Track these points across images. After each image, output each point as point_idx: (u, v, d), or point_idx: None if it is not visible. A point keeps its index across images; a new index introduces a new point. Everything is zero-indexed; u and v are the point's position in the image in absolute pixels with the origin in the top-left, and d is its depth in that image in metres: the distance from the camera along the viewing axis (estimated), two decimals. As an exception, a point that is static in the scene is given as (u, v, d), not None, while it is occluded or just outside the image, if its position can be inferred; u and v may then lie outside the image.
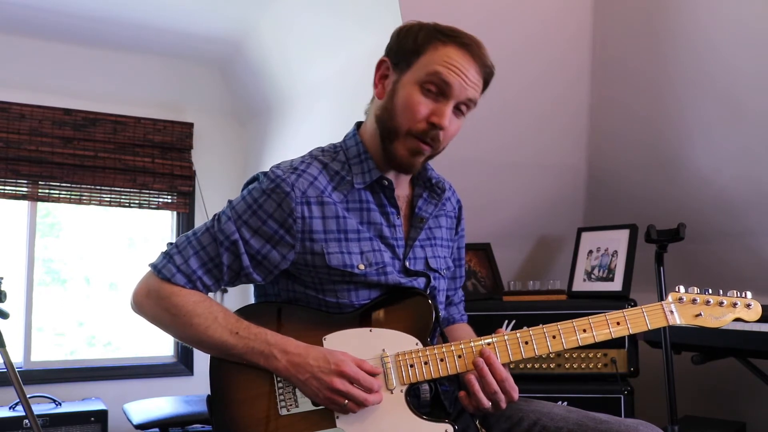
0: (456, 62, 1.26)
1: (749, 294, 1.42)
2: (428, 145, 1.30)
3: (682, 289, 1.40)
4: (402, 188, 1.43)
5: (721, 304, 1.39)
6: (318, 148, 1.42)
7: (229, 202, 1.34)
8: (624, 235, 2.67)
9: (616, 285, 2.60)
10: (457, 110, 1.31)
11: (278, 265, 1.30)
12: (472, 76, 1.28)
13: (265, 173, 1.33)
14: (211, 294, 1.33)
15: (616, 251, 2.67)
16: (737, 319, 1.40)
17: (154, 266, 1.30)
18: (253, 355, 1.24)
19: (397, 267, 1.36)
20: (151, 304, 1.28)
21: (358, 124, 1.44)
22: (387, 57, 1.34)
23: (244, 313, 1.30)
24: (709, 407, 2.77)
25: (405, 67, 1.30)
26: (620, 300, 2.52)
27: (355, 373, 1.21)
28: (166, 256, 1.30)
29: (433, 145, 1.31)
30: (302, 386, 1.23)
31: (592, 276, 2.70)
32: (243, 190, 1.36)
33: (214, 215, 1.33)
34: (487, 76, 1.33)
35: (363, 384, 1.21)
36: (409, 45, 1.30)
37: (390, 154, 1.32)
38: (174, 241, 1.33)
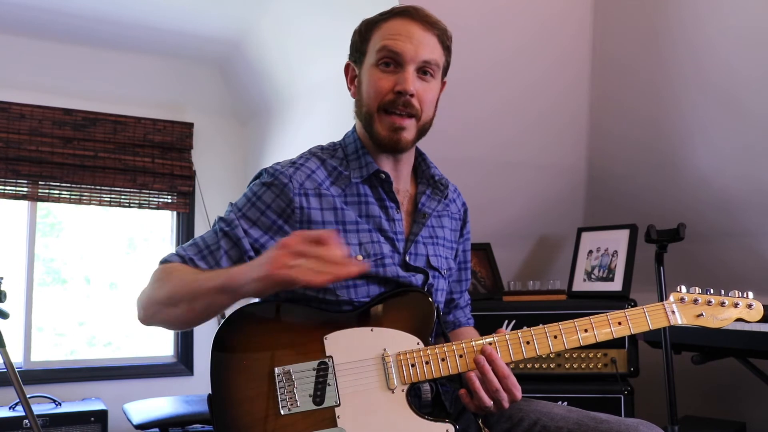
0: (398, 30, 1.32)
1: (751, 294, 1.42)
2: (402, 115, 1.32)
3: (683, 289, 1.40)
4: (403, 183, 1.44)
5: (722, 304, 1.39)
6: (317, 146, 1.45)
7: (230, 204, 1.37)
8: (624, 235, 2.67)
9: (616, 285, 2.60)
10: (423, 74, 1.34)
11: None
12: (421, 36, 1.32)
13: (265, 169, 1.36)
14: None
15: (616, 251, 2.67)
16: (739, 320, 1.40)
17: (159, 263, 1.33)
18: (219, 282, 1.17)
19: (396, 260, 1.37)
20: (146, 287, 1.29)
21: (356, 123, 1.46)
22: (349, 59, 1.42)
23: (245, 312, 1.30)
24: (709, 407, 2.77)
25: (361, 57, 1.38)
26: (620, 300, 2.52)
27: (303, 232, 1.12)
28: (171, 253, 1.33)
29: (406, 111, 1.32)
30: (261, 274, 1.11)
31: (592, 276, 2.70)
32: (247, 188, 1.39)
33: (216, 218, 1.36)
34: (440, 33, 1.35)
35: (312, 237, 1.10)
36: (357, 39, 1.39)
37: (375, 139, 1.35)
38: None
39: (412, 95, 1.31)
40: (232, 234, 1.29)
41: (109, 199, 3.92)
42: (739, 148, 2.45)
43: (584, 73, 2.78)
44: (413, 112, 1.33)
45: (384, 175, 1.37)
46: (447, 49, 1.38)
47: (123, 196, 3.96)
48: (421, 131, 1.37)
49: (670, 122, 2.61)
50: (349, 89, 1.43)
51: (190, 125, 4.13)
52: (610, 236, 2.73)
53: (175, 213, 4.18)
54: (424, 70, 1.33)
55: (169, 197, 4.10)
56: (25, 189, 3.71)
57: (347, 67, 1.43)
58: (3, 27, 3.54)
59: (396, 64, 1.32)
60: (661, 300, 2.07)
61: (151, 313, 1.29)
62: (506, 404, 1.25)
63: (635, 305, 2.44)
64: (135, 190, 3.99)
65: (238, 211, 1.32)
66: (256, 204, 1.31)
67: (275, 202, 1.30)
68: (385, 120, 1.33)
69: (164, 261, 1.31)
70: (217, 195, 4.16)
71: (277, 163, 1.36)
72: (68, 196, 3.82)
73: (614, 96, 2.77)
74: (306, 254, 1.09)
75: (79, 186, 3.83)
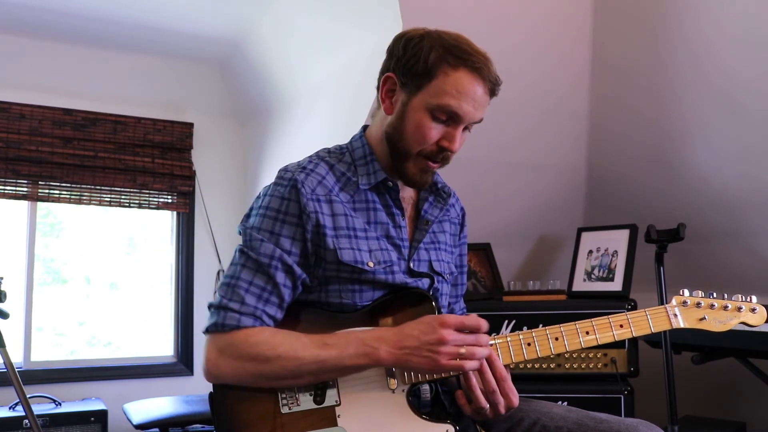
0: (468, 90, 1.26)
1: (754, 298, 1.41)
2: (438, 163, 1.34)
3: (686, 292, 1.39)
4: (407, 191, 1.43)
5: (725, 308, 1.39)
6: (324, 149, 1.43)
7: (247, 229, 1.30)
8: (624, 235, 2.67)
9: (616, 285, 2.60)
10: (465, 128, 1.33)
11: (312, 263, 1.30)
12: (483, 100, 1.29)
13: (274, 183, 1.33)
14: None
15: (616, 251, 2.67)
16: (741, 324, 1.40)
17: (213, 325, 1.23)
18: (351, 359, 1.20)
19: (402, 267, 1.36)
20: (229, 361, 1.21)
21: (365, 127, 1.45)
22: (393, 73, 1.32)
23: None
24: (709, 407, 2.77)
25: (414, 90, 1.29)
26: (620, 300, 2.53)
27: (456, 319, 1.20)
28: (220, 309, 1.23)
29: (443, 164, 1.35)
30: (413, 360, 1.20)
31: (592, 276, 2.70)
32: (252, 210, 1.33)
33: (241, 251, 1.28)
34: (495, 90, 1.32)
35: (470, 325, 1.21)
36: (418, 67, 1.27)
37: (401, 172, 1.35)
38: (212, 299, 1.27)
39: (453, 152, 1.32)
40: (283, 266, 1.26)
41: (109, 199, 3.92)
42: (739, 148, 2.45)
43: (584, 73, 2.78)
44: (446, 164, 1.35)
45: (392, 183, 1.37)
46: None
47: (123, 196, 3.96)
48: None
49: (670, 122, 2.62)
50: (382, 101, 1.35)
51: (190, 125, 4.13)
52: (610, 236, 2.73)
53: (175, 213, 4.18)
54: (467, 126, 1.32)
55: (169, 197, 4.10)
56: (25, 189, 3.71)
57: (387, 78, 1.33)
58: (3, 27, 3.54)
59: (450, 119, 1.29)
60: (662, 300, 2.08)
61: (235, 380, 1.23)
62: (502, 409, 1.25)
63: (635, 305, 2.46)
64: (135, 190, 3.99)
65: (270, 235, 1.26)
66: (287, 219, 1.27)
67: (298, 210, 1.27)
68: (421, 163, 1.32)
69: (234, 327, 1.21)
70: (217, 195, 4.16)
71: (285, 170, 1.34)
72: (68, 196, 3.82)
73: (614, 96, 2.77)
74: (465, 342, 1.20)
75: (79, 186, 3.82)
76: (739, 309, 1.39)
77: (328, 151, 1.41)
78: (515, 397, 1.26)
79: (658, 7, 2.43)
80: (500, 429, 1.36)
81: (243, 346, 1.21)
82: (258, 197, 1.35)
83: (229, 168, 4.25)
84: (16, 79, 3.70)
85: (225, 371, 1.21)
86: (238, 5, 3.31)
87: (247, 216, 1.34)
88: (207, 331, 1.24)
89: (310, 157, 1.39)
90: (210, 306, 1.26)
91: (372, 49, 2.69)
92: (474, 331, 1.21)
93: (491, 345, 1.29)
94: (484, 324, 1.22)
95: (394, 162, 1.35)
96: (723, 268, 2.74)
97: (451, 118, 1.29)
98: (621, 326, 1.34)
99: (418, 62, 1.27)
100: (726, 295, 1.41)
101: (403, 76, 1.31)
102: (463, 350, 1.19)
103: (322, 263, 1.30)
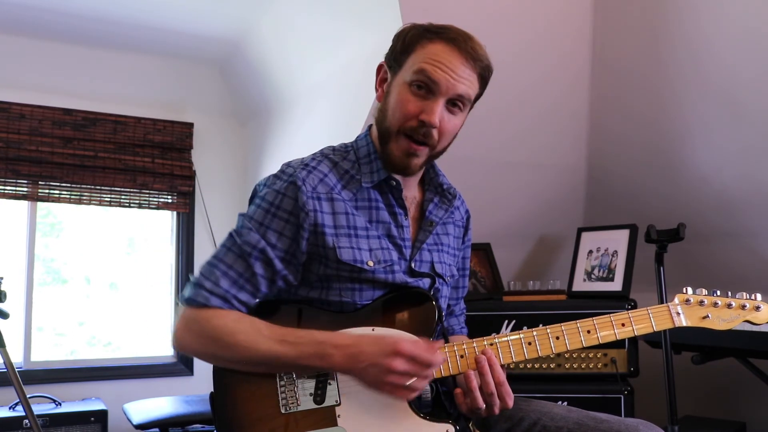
0: (442, 58, 1.26)
1: (759, 296, 1.40)
2: (420, 143, 1.30)
3: (689, 290, 1.38)
4: (411, 190, 1.43)
5: (729, 306, 1.37)
6: (329, 147, 1.42)
7: (242, 215, 1.32)
8: (624, 235, 2.67)
9: (616, 285, 2.60)
10: (452, 106, 1.30)
11: (302, 261, 1.30)
12: (462, 71, 1.27)
13: (275, 174, 1.34)
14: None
15: (616, 251, 2.67)
16: (746, 322, 1.39)
17: (185, 299, 1.26)
18: (306, 359, 1.20)
19: (403, 267, 1.36)
20: (192, 336, 1.25)
21: (370, 127, 1.44)
22: (385, 61, 1.37)
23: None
24: (709, 407, 2.77)
25: (397, 68, 1.32)
26: (620, 300, 2.53)
27: (411, 350, 1.17)
28: (195, 285, 1.26)
29: (426, 141, 1.30)
30: (362, 375, 1.19)
31: (592, 276, 2.70)
32: (250, 202, 1.35)
33: (230, 235, 1.30)
34: (482, 70, 1.31)
35: (422, 360, 1.17)
36: (399, 46, 1.32)
37: (386, 155, 1.33)
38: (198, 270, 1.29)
39: (435, 127, 1.28)
40: (262, 257, 1.26)
41: (109, 199, 3.92)
42: (739, 148, 2.46)
43: (584, 73, 2.78)
44: (431, 143, 1.31)
45: (395, 182, 1.36)
46: (484, 82, 1.34)
47: (123, 196, 3.96)
48: (432, 157, 1.36)
49: (670, 122, 2.62)
50: (376, 90, 1.38)
51: (190, 125, 4.13)
52: (610, 236, 2.73)
53: (175, 213, 4.18)
54: (453, 102, 1.30)
55: (169, 197, 4.10)
56: (25, 189, 3.71)
57: (380, 67, 1.37)
58: (3, 27, 3.54)
59: (428, 91, 1.27)
60: (662, 300, 2.08)
61: (197, 354, 1.28)
62: (497, 411, 1.25)
63: (635, 305, 2.46)
64: (135, 190, 3.99)
65: (260, 225, 1.27)
66: (278, 214, 1.28)
67: (294, 207, 1.27)
68: (402, 142, 1.30)
69: (202, 304, 1.23)
70: (217, 195, 4.16)
71: (288, 165, 1.34)
72: (68, 196, 3.82)
73: (614, 96, 2.77)
74: (414, 374, 1.17)
75: (79, 186, 3.82)
76: (743, 307, 1.37)
77: (333, 149, 1.41)
78: (510, 400, 1.27)
79: (658, 7, 2.43)
80: (500, 429, 1.36)
81: (206, 325, 1.23)
82: (260, 185, 1.37)
83: (229, 168, 4.25)
84: (16, 79, 3.70)
85: (188, 344, 1.26)
86: (238, 5, 3.31)
87: (250, 203, 1.36)
88: (180, 301, 1.28)
89: (314, 154, 1.39)
90: (189, 280, 1.29)
91: (372, 49, 2.69)
92: (425, 365, 1.18)
93: (492, 345, 1.29)
94: (436, 360, 1.19)
95: (382, 148, 1.34)
96: (723, 268, 2.74)
97: (428, 88, 1.27)
98: (623, 325, 1.33)
99: (399, 42, 1.33)
100: (730, 293, 1.39)
101: (389, 60, 1.35)
102: (407, 382, 1.17)
103: (323, 261, 1.30)
